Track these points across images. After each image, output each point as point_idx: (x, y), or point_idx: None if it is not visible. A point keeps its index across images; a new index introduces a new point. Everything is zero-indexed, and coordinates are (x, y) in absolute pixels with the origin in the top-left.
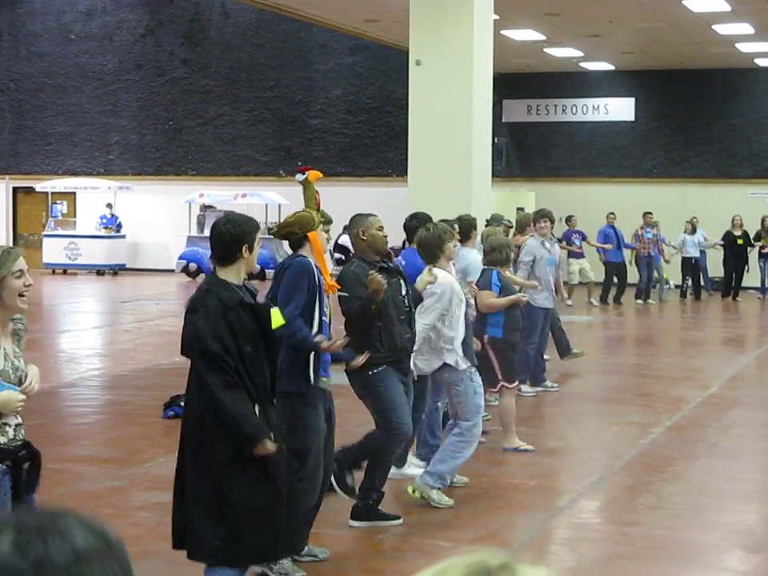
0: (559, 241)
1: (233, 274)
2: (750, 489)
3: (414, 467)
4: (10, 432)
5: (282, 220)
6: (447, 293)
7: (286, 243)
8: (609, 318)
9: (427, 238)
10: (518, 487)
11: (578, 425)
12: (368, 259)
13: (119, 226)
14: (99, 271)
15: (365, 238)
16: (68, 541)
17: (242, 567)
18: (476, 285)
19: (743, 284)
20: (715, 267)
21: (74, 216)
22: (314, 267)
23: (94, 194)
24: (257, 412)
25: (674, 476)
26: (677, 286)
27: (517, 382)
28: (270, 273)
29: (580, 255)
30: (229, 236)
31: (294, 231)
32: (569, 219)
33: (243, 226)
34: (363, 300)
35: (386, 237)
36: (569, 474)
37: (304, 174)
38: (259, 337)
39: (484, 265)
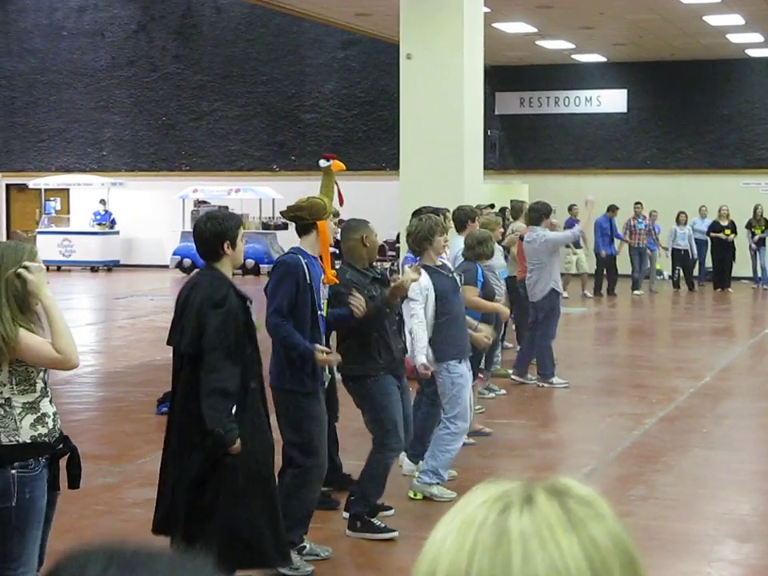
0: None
1: (222, 271)
2: (742, 479)
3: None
4: (50, 422)
5: (276, 211)
6: (423, 298)
7: (279, 237)
8: (602, 309)
9: (418, 227)
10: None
11: (572, 416)
12: (358, 267)
13: (113, 222)
14: (93, 268)
15: (367, 244)
16: None
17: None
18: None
19: (735, 274)
20: (707, 258)
21: (68, 212)
22: (304, 264)
23: (87, 191)
24: (244, 419)
25: (666, 467)
26: (670, 277)
27: (481, 377)
28: (264, 268)
29: (577, 245)
30: (209, 234)
31: (304, 216)
32: (570, 208)
33: (223, 223)
34: (376, 304)
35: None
36: (562, 466)
37: (329, 161)
38: (253, 338)
39: (466, 257)
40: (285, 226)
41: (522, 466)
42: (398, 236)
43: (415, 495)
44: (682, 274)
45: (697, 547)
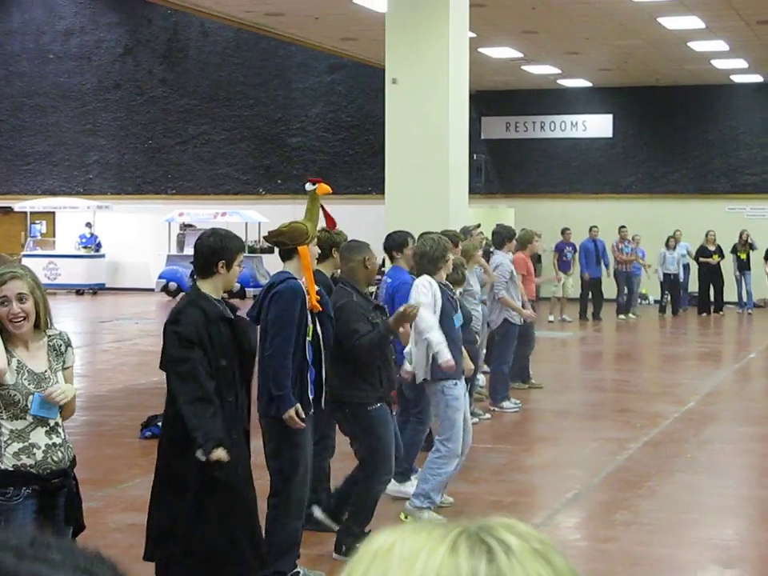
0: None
1: (211, 288)
2: (726, 504)
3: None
4: (38, 454)
5: (262, 235)
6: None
7: (265, 261)
8: (587, 333)
9: (433, 248)
10: (495, 504)
11: (556, 441)
12: (360, 290)
13: (98, 246)
14: (79, 291)
15: (368, 266)
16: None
17: None
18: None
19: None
20: (693, 283)
21: (53, 236)
22: (304, 288)
23: (73, 214)
24: (222, 428)
25: (650, 492)
26: (656, 302)
27: None
28: (250, 291)
29: (567, 269)
30: (207, 248)
31: (284, 242)
32: (563, 232)
33: (225, 242)
34: (380, 331)
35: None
36: (546, 491)
37: (314, 184)
38: (235, 353)
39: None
40: (271, 250)
41: (506, 490)
42: (384, 260)
43: (406, 518)
44: (669, 298)
45: (681, 573)
